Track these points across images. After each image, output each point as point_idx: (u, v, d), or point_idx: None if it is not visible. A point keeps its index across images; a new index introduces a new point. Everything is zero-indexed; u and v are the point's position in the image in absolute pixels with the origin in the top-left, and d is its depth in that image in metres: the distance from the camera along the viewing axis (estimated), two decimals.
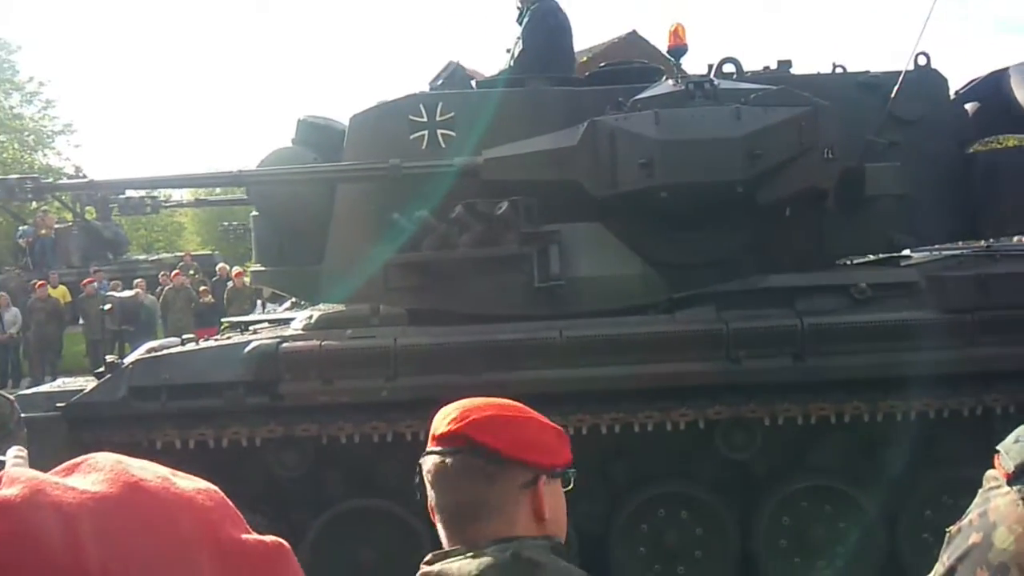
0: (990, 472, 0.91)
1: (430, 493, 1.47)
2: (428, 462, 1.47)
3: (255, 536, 0.69)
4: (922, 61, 5.54)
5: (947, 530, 0.93)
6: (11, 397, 4.17)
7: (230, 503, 0.70)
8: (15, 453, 0.79)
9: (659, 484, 5.31)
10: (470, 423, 1.43)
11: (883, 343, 4.91)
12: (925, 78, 5.55)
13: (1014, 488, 0.86)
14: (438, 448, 1.45)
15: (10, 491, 0.61)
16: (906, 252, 6.04)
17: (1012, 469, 0.87)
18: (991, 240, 6.14)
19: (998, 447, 0.91)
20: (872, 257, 6.12)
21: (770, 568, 5.25)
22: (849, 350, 4.93)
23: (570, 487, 1.51)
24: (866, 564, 5.09)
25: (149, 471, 0.67)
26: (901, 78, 5.33)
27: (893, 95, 5.33)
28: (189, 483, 0.68)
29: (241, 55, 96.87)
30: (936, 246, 6.27)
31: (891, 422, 5.03)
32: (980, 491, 0.92)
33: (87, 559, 0.59)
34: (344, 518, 5.28)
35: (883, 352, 4.90)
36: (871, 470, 5.19)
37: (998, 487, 0.88)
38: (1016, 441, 0.90)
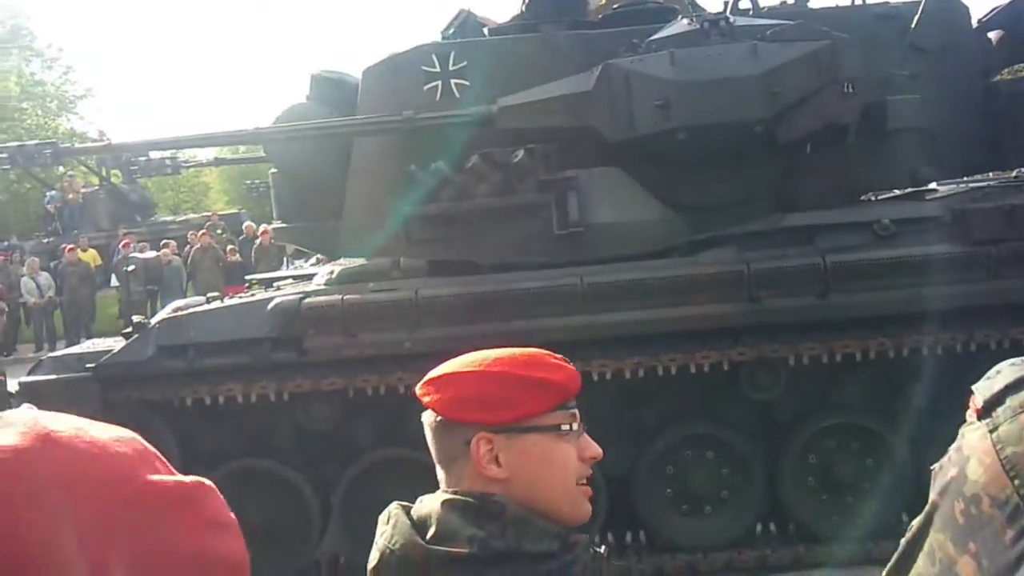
0: (968, 411, 0.95)
1: None
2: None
3: (174, 477, 0.70)
4: None
5: (931, 468, 0.98)
6: None
7: (149, 448, 0.71)
8: (27, 407, 0.81)
9: (684, 426, 5.33)
10: (424, 384, 1.47)
11: (907, 279, 4.87)
12: (945, 7, 5.43)
13: (983, 422, 0.90)
14: None
15: None
16: (931, 185, 5.96)
17: (981, 405, 0.91)
18: (1018, 170, 6.03)
19: (972, 387, 0.95)
20: (896, 192, 6.05)
21: (797, 507, 5.29)
22: (873, 287, 4.90)
23: (570, 432, 1.44)
24: (894, 501, 5.10)
25: (62, 422, 0.68)
26: (921, 8, 5.22)
27: (913, 26, 5.22)
28: (104, 432, 0.70)
29: (254, 12, 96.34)
30: (961, 178, 6.17)
31: (917, 357, 5.01)
32: (960, 429, 0.96)
33: (13, 513, 0.60)
34: (373, 469, 5.36)
35: (907, 288, 4.86)
36: (897, 406, 5.18)
37: (971, 423, 0.93)
38: (987, 379, 0.94)
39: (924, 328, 4.94)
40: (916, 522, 0.98)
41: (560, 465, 1.43)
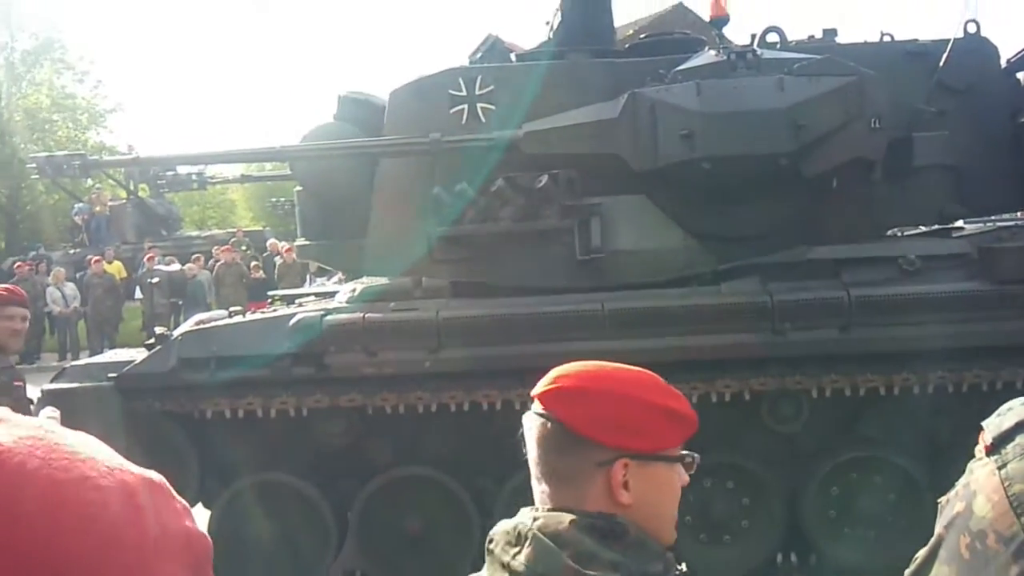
0: (977, 447, 0.96)
1: (528, 447, 1.47)
2: (525, 419, 1.47)
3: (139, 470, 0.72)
4: (972, 29, 5.41)
5: (938, 501, 0.99)
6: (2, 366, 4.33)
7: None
8: (48, 414, 0.83)
9: (705, 455, 5.22)
10: (552, 391, 1.41)
11: (933, 315, 4.84)
12: (975, 47, 5.42)
13: (992, 459, 0.91)
14: (533, 408, 1.45)
15: None
16: (958, 223, 5.93)
17: (990, 441, 0.92)
18: None
19: (982, 423, 0.96)
20: (922, 228, 6.02)
21: (818, 538, 5.24)
22: (897, 322, 4.86)
23: (691, 471, 1.45)
24: (917, 536, 5.03)
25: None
26: (950, 46, 5.22)
27: (942, 63, 5.22)
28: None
29: (284, 33, 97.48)
30: (988, 217, 6.14)
31: (942, 394, 4.97)
32: (968, 464, 0.97)
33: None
34: (390, 486, 5.36)
35: (933, 324, 4.83)
36: (921, 442, 5.14)
37: (980, 459, 0.94)
38: (997, 416, 0.95)
39: (949, 365, 4.91)
40: (921, 554, 0.99)
41: (675, 494, 1.45)
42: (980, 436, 0.94)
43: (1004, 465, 0.88)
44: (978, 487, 0.90)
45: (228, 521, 5.38)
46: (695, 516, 5.28)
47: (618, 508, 1.38)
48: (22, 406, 3.89)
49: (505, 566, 1.32)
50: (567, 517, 1.34)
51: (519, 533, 1.34)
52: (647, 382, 1.45)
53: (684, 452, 1.45)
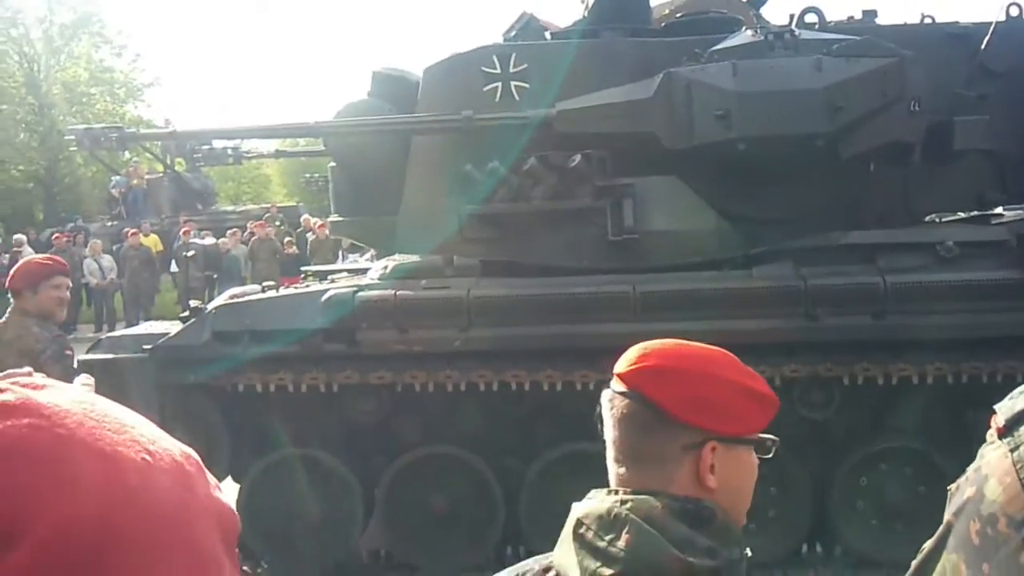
0: (989, 431, 0.93)
1: (605, 427, 1.43)
2: (605, 397, 1.43)
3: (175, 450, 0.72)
4: (1014, 12, 5.29)
5: (948, 489, 0.96)
6: (51, 336, 4.42)
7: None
8: (83, 381, 0.83)
9: None
10: (641, 370, 1.37)
11: (969, 303, 4.77)
12: (1017, 29, 5.29)
13: (1004, 441, 0.88)
14: (614, 387, 1.41)
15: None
16: (998, 210, 5.83)
17: (1003, 424, 0.90)
18: None
19: (994, 406, 0.94)
20: (961, 215, 5.93)
21: (845, 529, 5.19)
22: (933, 310, 4.79)
23: (769, 455, 1.43)
24: None
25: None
26: (992, 29, 5.12)
27: (983, 46, 5.11)
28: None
29: (320, 8, 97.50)
30: None
31: (976, 384, 4.89)
32: (980, 448, 0.94)
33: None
34: (418, 464, 5.39)
35: (969, 312, 4.76)
36: (953, 433, 5.07)
37: (991, 443, 0.91)
38: (1010, 399, 0.93)
39: (984, 355, 4.83)
40: (929, 543, 0.97)
41: (754, 478, 1.43)
42: (992, 419, 0.92)
43: (1017, 447, 0.86)
44: (990, 471, 0.88)
45: (257, 495, 5.44)
46: None
47: (704, 492, 1.35)
48: (70, 375, 3.98)
49: (600, 552, 1.27)
50: (658, 501, 1.31)
51: (615, 517, 1.29)
52: (731, 363, 1.42)
53: (765, 436, 1.42)
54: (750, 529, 5.23)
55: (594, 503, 1.34)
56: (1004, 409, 0.91)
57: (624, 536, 1.26)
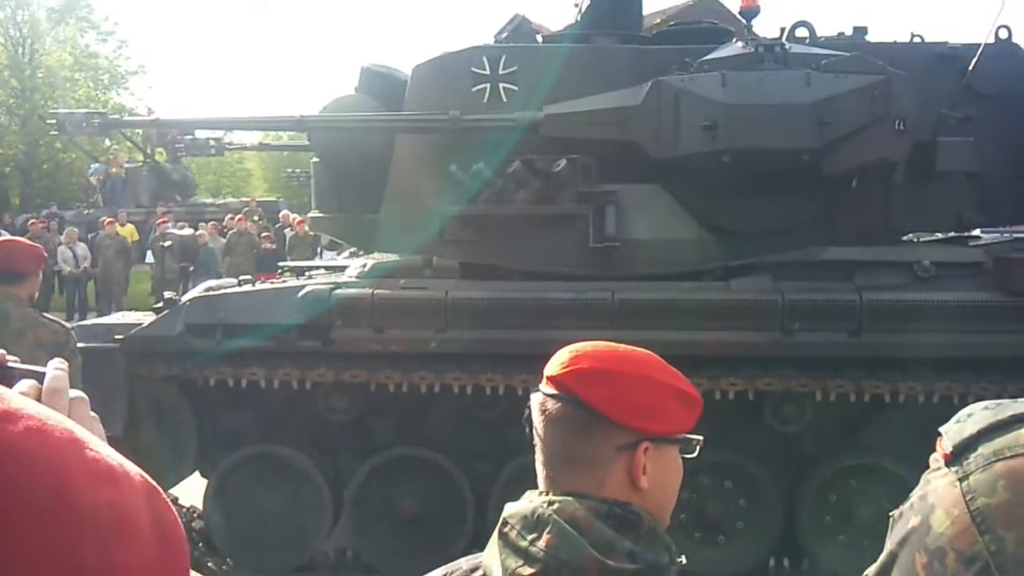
0: (933, 455, 0.87)
1: (535, 431, 1.43)
2: (535, 400, 1.42)
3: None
4: (1003, 35, 5.33)
5: (890, 514, 0.90)
6: (68, 326, 4.27)
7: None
8: (56, 365, 0.78)
9: (704, 452, 5.21)
10: (575, 372, 1.37)
11: (944, 323, 4.78)
12: (1005, 52, 5.33)
13: (952, 469, 0.83)
14: (545, 389, 1.41)
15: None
16: (975, 232, 5.86)
17: (950, 450, 0.84)
18: None
19: (940, 429, 0.88)
20: (939, 235, 5.96)
21: (813, 544, 5.19)
22: (908, 328, 4.80)
23: (693, 455, 1.44)
24: None
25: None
26: (980, 51, 5.14)
27: (971, 68, 5.14)
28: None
29: (311, 2, 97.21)
30: (1008, 227, 6.07)
31: (947, 404, 4.91)
32: (924, 474, 0.88)
33: None
34: (389, 466, 5.35)
35: (944, 332, 4.77)
36: (924, 452, 5.06)
37: (937, 469, 0.85)
38: (957, 422, 0.87)
39: (956, 375, 4.85)
40: (871, 571, 0.91)
41: (679, 477, 1.44)
42: (938, 443, 0.86)
43: (966, 476, 0.81)
44: (936, 500, 0.83)
45: (225, 491, 5.38)
46: (690, 514, 5.25)
47: (635, 493, 1.36)
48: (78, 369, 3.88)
49: (522, 551, 1.28)
50: (584, 503, 1.31)
51: (538, 518, 1.30)
52: (659, 364, 1.43)
53: (690, 435, 1.43)
54: (718, 542, 5.26)
55: (521, 503, 1.35)
56: (951, 433, 0.86)
57: (545, 536, 1.27)
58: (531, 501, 1.35)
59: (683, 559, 1.39)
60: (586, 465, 1.36)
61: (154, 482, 0.62)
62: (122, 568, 0.56)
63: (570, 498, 1.32)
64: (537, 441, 1.41)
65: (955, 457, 0.83)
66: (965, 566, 0.77)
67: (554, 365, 1.41)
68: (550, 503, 1.32)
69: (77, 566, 0.53)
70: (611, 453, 1.36)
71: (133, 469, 0.61)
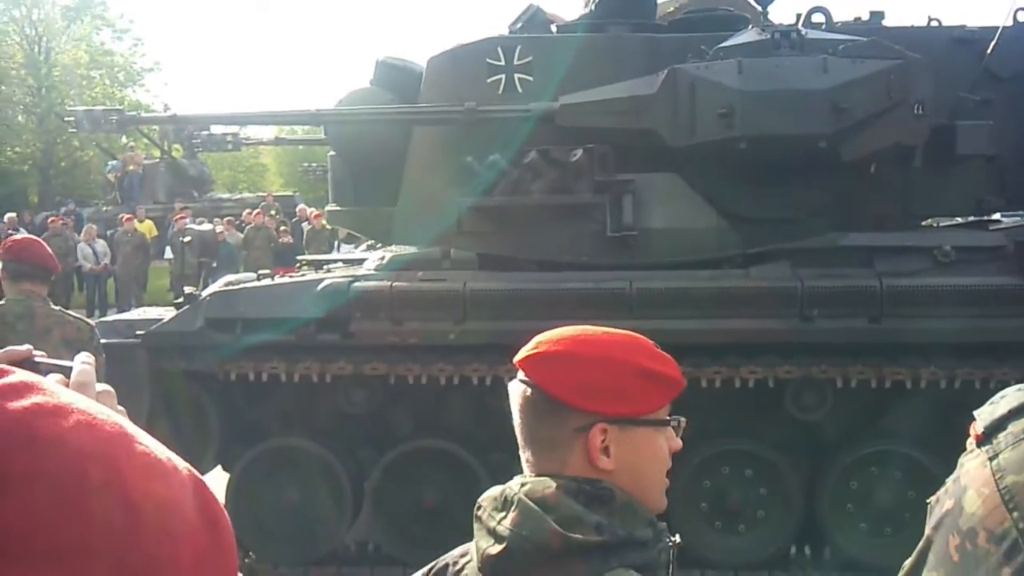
0: (969, 439, 0.88)
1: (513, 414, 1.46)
2: (510, 386, 1.46)
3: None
4: (1021, 17, 5.27)
5: (927, 502, 0.91)
6: (91, 323, 4.30)
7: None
8: (83, 359, 0.79)
9: (724, 441, 5.26)
10: (533, 357, 1.40)
11: (965, 308, 4.75)
12: (1023, 34, 5.28)
13: (983, 449, 0.83)
14: (518, 376, 1.44)
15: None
16: (995, 216, 5.82)
17: (982, 431, 0.85)
18: None
19: (974, 412, 0.89)
20: (959, 220, 5.91)
21: (834, 532, 5.18)
22: (929, 314, 4.78)
23: (678, 435, 1.45)
24: None
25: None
26: (998, 34, 5.09)
27: (989, 51, 5.10)
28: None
29: None
30: None
31: (969, 390, 4.88)
32: (959, 458, 0.89)
33: None
34: (408, 457, 5.36)
35: (964, 318, 4.74)
36: (946, 438, 5.05)
37: (970, 451, 0.86)
38: (990, 404, 0.88)
39: (978, 361, 4.82)
40: (909, 560, 0.92)
41: (660, 458, 1.43)
42: (971, 426, 0.87)
43: (996, 455, 0.81)
44: (968, 481, 0.83)
45: (246, 484, 5.41)
46: (711, 503, 5.25)
47: (600, 474, 1.37)
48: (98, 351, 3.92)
49: (491, 531, 1.33)
50: (553, 482, 1.35)
51: (506, 498, 1.35)
52: (630, 344, 1.43)
53: (669, 416, 1.44)
54: (739, 530, 5.25)
55: (496, 487, 1.40)
56: (984, 415, 0.87)
57: (511, 515, 1.32)
58: (507, 484, 1.39)
59: (676, 538, 1.41)
60: (550, 447, 1.40)
61: (201, 476, 0.62)
62: (173, 561, 0.56)
63: (542, 478, 1.36)
64: (515, 426, 1.45)
65: (986, 437, 0.84)
66: (996, 544, 0.78)
67: (522, 351, 1.44)
68: (522, 484, 1.36)
69: (129, 559, 0.54)
70: (568, 435, 1.38)
71: (181, 464, 0.61)
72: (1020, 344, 4.77)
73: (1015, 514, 0.77)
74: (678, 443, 1.45)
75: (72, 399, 0.58)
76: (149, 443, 0.60)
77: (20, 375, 0.58)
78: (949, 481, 0.87)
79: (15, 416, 0.54)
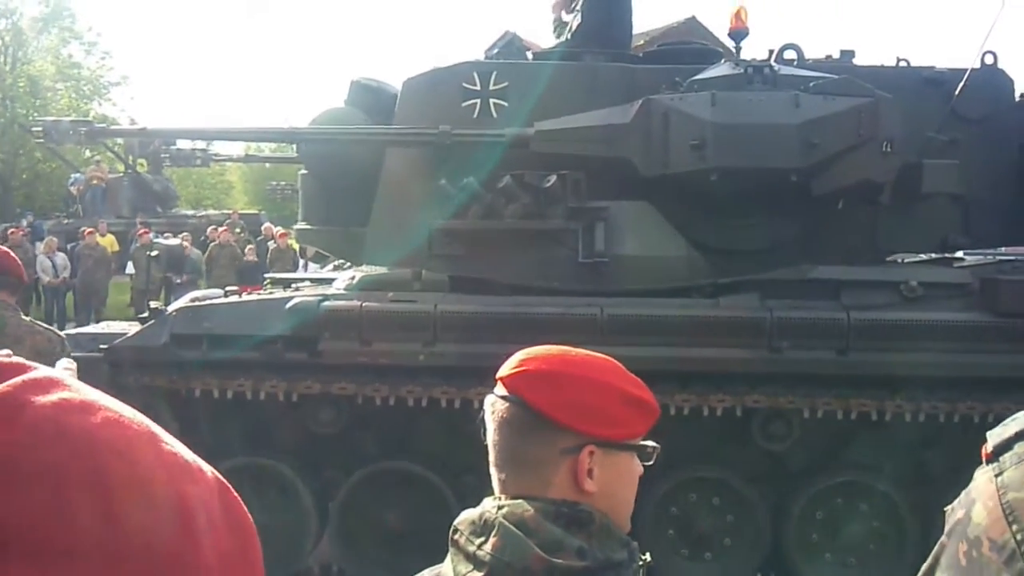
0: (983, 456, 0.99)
1: (487, 431, 1.44)
2: (487, 402, 1.43)
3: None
4: (989, 60, 5.41)
5: (944, 510, 1.00)
6: (61, 335, 4.23)
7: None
8: (65, 365, 0.78)
9: (692, 469, 5.27)
10: (521, 374, 1.38)
11: (930, 343, 4.83)
12: (991, 77, 5.42)
13: (990, 466, 0.93)
14: (496, 391, 1.42)
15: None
16: (959, 254, 5.93)
17: (991, 449, 0.95)
18: None
19: (987, 433, 0.98)
20: (923, 256, 6.01)
21: (799, 561, 5.21)
22: (895, 348, 4.84)
23: (650, 463, 1.45)
24: (897, 565, 5.03)
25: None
26: (966, 76, 5.22)
27: (957, 92, 5.21)
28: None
29: (300, 14, 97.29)
30: (991, 249, 6.14)
31: (933, 423, 4.95)
32: (974, 473, 0.99)
33: None
34: (375, 479, 5.32)
35: (931, 352, 4.81)
36: (910, 471, 5.12)
37: (982, 467, 0.96)
38: (1003, 426, 0.97)
39: (942, 395, 4.89)
40: (925, 564, 1.00)
41: (635, 483, 1.44)
42: (984, 446, 0.96)
43: (1001, 472, 0.90)
44: (976, 494, 0.92)
45: None
46: (678, 530, 5.25)
47: (581, 496, 1.36)
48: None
49: (471, 556, 1.30)
50: (532, 505, 1.32)
51: (485, 522, 1.32)
52: (614, 369, 1.43)
53: (646, 442, 1.44)
54: (705, 558, 5.26)
55: (472, 510, 1.37)
56: (994, 435, 0.96)
57: (492, 540, 1.29)
58: (482, 506, 1.36)
59: (647, 556, 1.41)
60: (532, 467, 1.37)
61: (224, 479, 0.62)
62: (200, 562, 0.55)
63: (519, 500, 1.34)
64: (489, 444, 1.42)
65: (994, 455, 0.92)
66: (997, 553, 0.86)
67: (505, 367, 1.42)
68: (499, 507, 1.33)
69: (156, 558, 0.53)
70: (555, 455, 1.36)
71: (206, 466, 0.60)
72: (985, 379, 4.85)
73: (1015, 527, 0.85)
74: (642, 468, 1.45)
75: (96, 396, 0.58)
76: (174, 444, 0.59)
77: (43, 371, 0.57)
78: (963, 493, 0.95)
79: (44, 412, 0.53)
